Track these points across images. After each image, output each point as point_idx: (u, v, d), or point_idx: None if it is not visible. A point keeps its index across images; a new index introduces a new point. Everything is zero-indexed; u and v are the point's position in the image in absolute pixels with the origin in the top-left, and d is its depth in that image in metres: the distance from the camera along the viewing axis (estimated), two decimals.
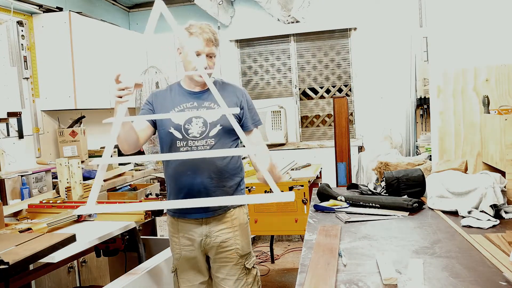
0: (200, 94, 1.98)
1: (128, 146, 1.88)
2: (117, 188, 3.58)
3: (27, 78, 3.60)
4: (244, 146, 1.54)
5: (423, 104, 4.37)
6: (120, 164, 3.94)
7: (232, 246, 1.98)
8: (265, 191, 3.04)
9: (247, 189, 2.97)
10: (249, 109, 2.02)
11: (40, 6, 3.67)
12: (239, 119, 1.98)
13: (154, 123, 1.98)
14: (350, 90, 4.90)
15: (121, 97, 1.54)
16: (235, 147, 2.01)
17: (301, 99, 5.05)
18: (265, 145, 2.10)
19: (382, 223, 1.79)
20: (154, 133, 2.03)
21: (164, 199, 2.46)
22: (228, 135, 1.95)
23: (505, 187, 1.85)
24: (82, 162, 3.57)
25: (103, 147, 4.28)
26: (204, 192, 1.91)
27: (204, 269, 2.04)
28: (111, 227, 2.16)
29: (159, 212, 2.38)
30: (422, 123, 4.48)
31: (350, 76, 4.88)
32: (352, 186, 2.43)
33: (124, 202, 2.36)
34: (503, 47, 2.36)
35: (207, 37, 1.88)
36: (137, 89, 4.48)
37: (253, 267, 2.04)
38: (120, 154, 3.94)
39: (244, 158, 4.44)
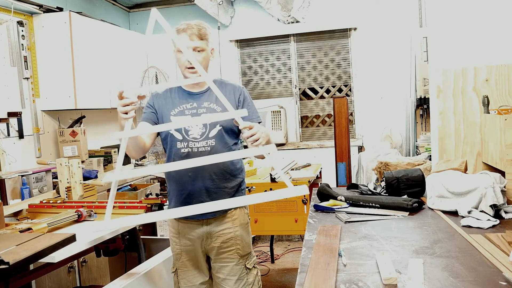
0: (199, 95, 1.98)
1: (136, 153, 1.90)
2: (117, 188, 3.58)
3: (27, 78, 3.60)
4: (244, 147, 1.54)
5: (423, 104, 4.37)
6: None
7: (233, 247, 1.98)
8: (265, 191, 3.04)
9: (247, 189, 2.97)
10: (248, 106, 2.01)
11: (40, 6, 3.67)
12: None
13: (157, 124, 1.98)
14: (350, 90, 4.90)
15: (126, 113, 1.54)
16: (236, 147, 2.01)
17: (301, 99, 5.05)
18: None
19: (382, 223, 1.79)
20: (158, 135, 2.04)
21: (164, 199, 2.46)
22: (228, 135, 1.95)
23: (505, 187, 1.84)
24: (82, 162, 3.57)
25: (103, 147, 4.28)
26: (206, 194, 1.91)
27: (204, 269, 2.04)
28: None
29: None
30: (422, 123, 4.48)
31: (350, 76, 4.88)
32: (352, 186, 2.43)
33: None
34: (503, 47, 2.36)
35: (190, 32, 1.87)
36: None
37: (253, 267, 2.05)
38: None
39: (244, 158, 4.44)
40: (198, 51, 1.89)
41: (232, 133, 1.97)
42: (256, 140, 1.61)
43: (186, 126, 1.92)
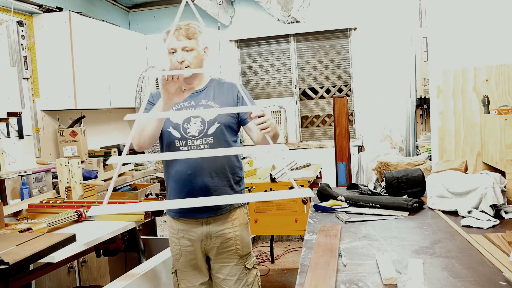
0: (197, 93, 1.98)
1: (150, 139, 1.88)
2: (117, 188, 3.58)
3: (27, 78, 3.60)
4: (243, 145, 1.55)
5: (423, 104, 4.37)
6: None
7: (232, 247, 1.98)
8: (265, 191, 3.04)
9: (247, 189, 2.97)
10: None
11: (40, 6, 3.67)
12: (237, 113, 1.98)
13: None
14: (350, 90, 4.90)
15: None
16: (235, 145, 2.01)
17: (301, 99, 5.05)
18: None
19: (382, 223, 1.79)
20: None
21: (164, 199, 2.46)
22: (227, 132, 1.95)
23: (505, 187, 1.84)
24: (82, 162, 3.57)
25: (103, 147, 4.28)
26: (205, 192, 1.91)
27: (204, 270, 2.04)
28: (111, 227, 2.16)
29: (159, 212, 2.38)
30: (422, 123, 4.47)
31: (350, 76, 4.88)
32: (352, 186, 2.43)
33: (126, 202, 2.36)
34: (503, 47, 2.36)
35: (177, 33, 1.88)
36: (138, 92, 4.48)
37: (253, 267, 2.05)
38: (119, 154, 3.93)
39: (244, 158, 4.44)
40: (187, 50, 1.90)
41: (231, 130, 1.97)
42: (266, 128, 1.65)
43: (181, 119, 1.92)
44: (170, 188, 2.00)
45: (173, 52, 1.90)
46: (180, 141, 1.92)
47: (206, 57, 1.98)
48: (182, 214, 1.99)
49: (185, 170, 1.91)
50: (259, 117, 1.66)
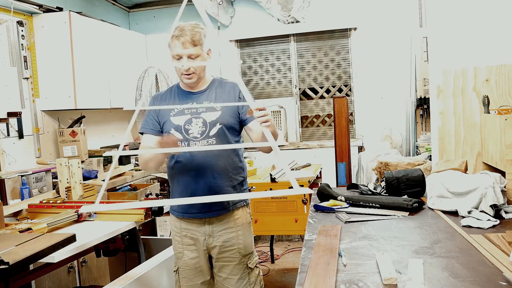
0: (198, 94, 1.98)
1: (155, 168, 2.00)
2: (117, 188, 3.58)
3: (27, 78, 3.60)
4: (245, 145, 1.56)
5: (423, 104, 4.37)
6: (120, 164, 3.94)
7: (234, 246, 1.98)
8: (265, 191, 3.04)
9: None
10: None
11: (40, 6, 3.67)
12: (238, 114, 1.99)
13: (161, 130, 1.98)
14: (350, 90, 4.90)
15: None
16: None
17: (301, 99, 5.05)
18: None
19: (382, 223, 1.79)
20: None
21: (164, 199, 2.46)
22: (229, 133, 1.95)
23: (505, 187, 1.84)
24: (82, 162, 3.57)
25: (103, 147, 4.28)
26: (208, 193, 1.91)
27: (206, 269, 2.04)
28: (111, 227, 2.16)
29: (159, 212, 2.38)
30: (422, 123, 4.48)
31: (350, 76, 4.88)
32: (352, 186, 2.43)
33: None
34: (503, 47, 2.36)
35: (183, 40, 1.84)
36: (138, 92, 4.50)
37: (255, 266, 2.05)
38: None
39: (245, 157, 4.43)
40: (193, 58, 1.88)
41: (233, 130, 1.97)
42: (266, 122, 1.63)
43: (182, 120, 1.93)
44: (173, 188, 2.01)
45: (178, 59, 1.89)
46: (182, 143, 1.92)
47: (209, 59, 1.98)
48: (185, 214, 1.99)
49: (188, 171, 1.92)
50: (259, 110, 1.65)
